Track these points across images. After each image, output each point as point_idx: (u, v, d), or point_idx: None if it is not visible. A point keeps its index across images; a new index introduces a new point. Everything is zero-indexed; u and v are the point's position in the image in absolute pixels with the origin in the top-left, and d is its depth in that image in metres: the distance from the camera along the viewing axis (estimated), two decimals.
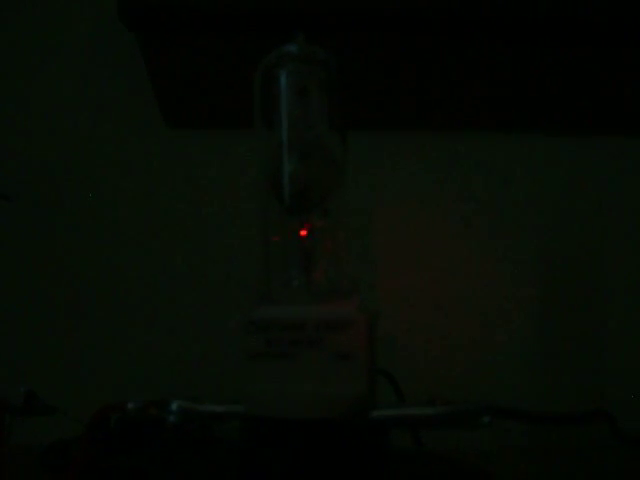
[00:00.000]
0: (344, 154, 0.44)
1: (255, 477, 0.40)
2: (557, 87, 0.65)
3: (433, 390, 0.61)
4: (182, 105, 0.68)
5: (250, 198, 0.64)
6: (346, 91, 0.45)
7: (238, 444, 0.41)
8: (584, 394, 0.66)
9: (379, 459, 0.40)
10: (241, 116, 0.47)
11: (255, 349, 0.40)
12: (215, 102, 0.67)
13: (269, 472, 0.39)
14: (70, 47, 0.69)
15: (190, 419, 0.42)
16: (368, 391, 0.40)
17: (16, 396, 0.47)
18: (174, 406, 0.42)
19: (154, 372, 0.68)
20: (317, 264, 0.43)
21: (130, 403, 0.43)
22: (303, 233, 0.43)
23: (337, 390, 0.39)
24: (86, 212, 0.69)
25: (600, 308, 0.67)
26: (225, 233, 0.69)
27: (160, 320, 0.69)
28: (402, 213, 0.67)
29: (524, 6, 0.61)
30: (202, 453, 0.49)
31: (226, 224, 0.69)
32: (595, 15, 0.61)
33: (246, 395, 0.40)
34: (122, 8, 0.62)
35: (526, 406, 0.42)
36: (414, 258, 0.67)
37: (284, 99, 0.43)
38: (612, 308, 0.67)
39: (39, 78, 0.70)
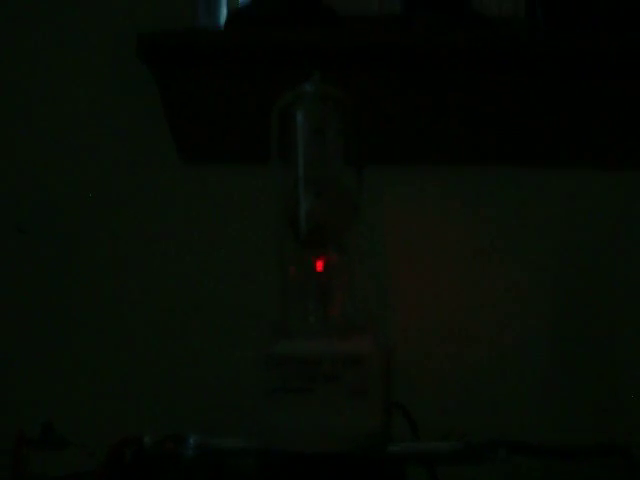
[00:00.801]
0: (360, 190, 0.45)
1: None
2: (572, 121, 0.66)
3: (448, 422, 0.62)
4: (197, 140, 0.68)
5: (266, 232, 0.64)
6: (362, 128, 0.45)
7: (255, 478, 0.42)
8: (600, 424, 0.65)
9: None
10: (257, 151, 0.48)
11: (272, 384, 0.41)
12: (230, 137, 0.67)
13: None
14: (88, 83, 0.70)
15: (207, 453, 0.43)
16: (383, 426, 0.40)
17: (34, 428, 0.48)
18: (191, 440, 0.43)
19: (171, 406, 0.68)
20: (333, 299, 0.43)
21: (146, 437, 0.44)
22: (319, 268, 0.44)
23: (353, 424, 0.40)
24: (101, 245, 0.69)
25: (615, 338, 0.67)
26: (242, 266, 0.69)
27: (177, 353, 0.69)
28: (417, 246, 0.67)
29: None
30: None
31: (242, 258, 0.69)
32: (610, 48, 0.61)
33: (263, 429, 0.41)
34: (141, 45, 0.64)
35: (542, 437, 0.42)
36: (429, 290, 0.67)
37: (301, 137, 0.44)
38: (627, 337, 0.66)
39: (57, 113, 0.70)
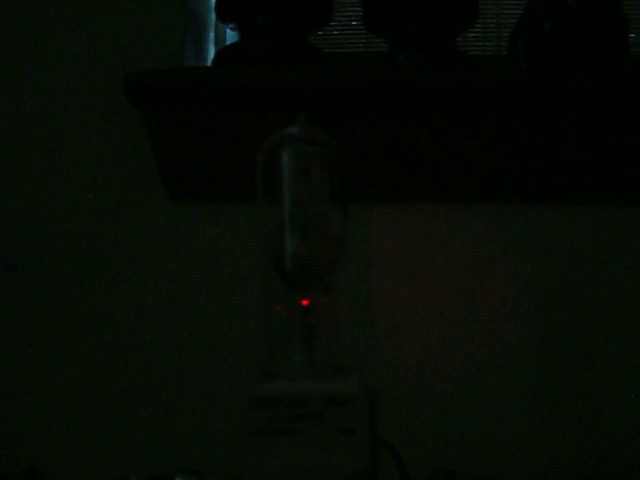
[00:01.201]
0: (345, 229, 0.45)
1: None
2: (559, 158, 0.66)
3: (436, 462, 0.62)
4: (185, 179, 0.69)
5: (252, 271, 0.64)
6: (346, 167, 0.46)
7: None
8: (587, 460, 0.66)
9: None
10: (244, 191, 0.48)
11: (258, 425, 0.40)
12: (218, 176, 0.68)
13: None
14: (76, 123, 0.70)
15: None
16: (370, 466, 0.40)
17: (16, 471, 0.47)
18: None
19: (156, 447, 0.67)
20: (319, 339, 0.43)
21: (133, 478, 0.45)
22: (305, 307, 0.43)
23: (340, 465, 0.40)
24: (89, 283, 0.69)
25: (600, 377, 0.67)
26: (227, 305, 0.69)
27: (162, 393, 0.68)
28: (403, 285, 0.68)
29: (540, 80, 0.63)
30: None
31: (228, 296, 0.69)
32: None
33: (249, 470, 0.40)
34: (129, 84, 0.64)
35: (532, 478, 0.41)
36: (417, 328, 0.67)
37: (286, 178, 0.44)
38: (612, 376, 0.67)
39: (45, 151, 0.71)
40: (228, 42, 0.78)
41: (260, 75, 0.64)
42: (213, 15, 0.74)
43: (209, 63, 0.73)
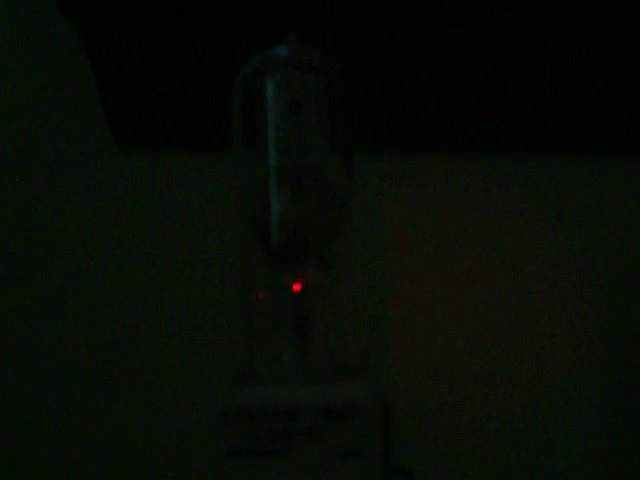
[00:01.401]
0: (350, 185, 0.44)
1: None
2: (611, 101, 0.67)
3: None
4: (137, 120, 0.68)
5: (227, 243, 0.64)
6: (352, 104, 0.45)
7: None
8: None
9: None
10: (215, 133, 0.47)
11: (234, 444, 0.40)
12: (180, 116, 0.67)
13: None
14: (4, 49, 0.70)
15: None
16: None
17: None
18: None
19: (116, 469, 0.68)
20: (315, 331, 0.43)
21: None
22: (297, 290, 0.43)
23: None
24: (28, 247, 0.69)
25: None
26: (193, 288, 0.69)
27: (105, 401, 0.69)
28: (425, 259, 0.67)
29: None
30: None
31: (195, 277, 0.69)
32: None
33: None
34: None
35: None
36: (440, 319, 0.67)
37: (272, 116, 0.43)
38: None
39: None
40: None
41: None
42: None
43: None
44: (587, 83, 0.67)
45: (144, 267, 0.69)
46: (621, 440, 0.67)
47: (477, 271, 0.67)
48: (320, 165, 0.43)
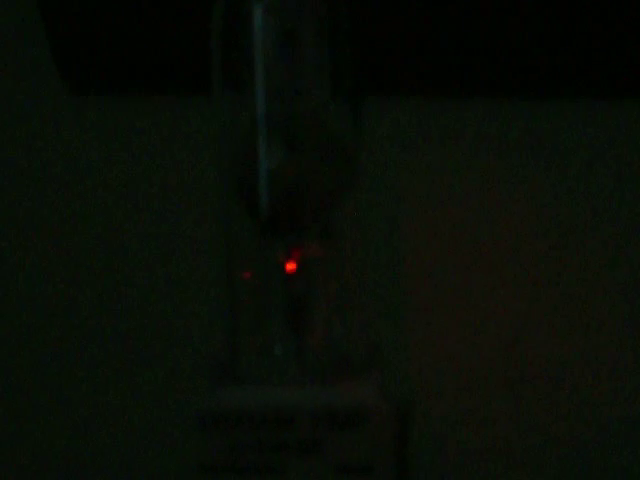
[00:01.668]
0: (357, 137, 0.44)
1: None
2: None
3: None
4: (90, 59, 0.67)
5: (203, 208, 0.64)
6: (360, 37, 0.44)
7: None
8: None
9: None
10: (190, 74, 0.46)
11: (211, 458, 0.40)
12: (147, 50, 0.66)
13: None
14: None
15: None
16: None
17: None
18: None
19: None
20: (313, 318, 0.43)
21: None
22: (291, 268, 0.43)
23: None
24: None
25: None
26: (160, 264, 0.69)
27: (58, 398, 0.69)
28: (450, 229, 0.67)
29: None
30: None
31: (164, 251, 0.69)
32: None
33: None
34: None
35: None
36: (469, 303, 0.67)
37: (260, 50, 0.43)
38: None
39: None
40: None
41: None
42: None
43: None
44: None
45: (96, 233, 0.69)
46: None
47: (510, 243, 0.68)
48: (319, 112, 0.43)
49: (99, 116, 0.69)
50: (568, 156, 0.69)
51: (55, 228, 0.70)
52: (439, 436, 0.66)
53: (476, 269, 0.68)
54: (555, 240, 0.68)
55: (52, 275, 0.70)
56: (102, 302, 0.69)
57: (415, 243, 0.67)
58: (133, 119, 0.69)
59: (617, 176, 0.69)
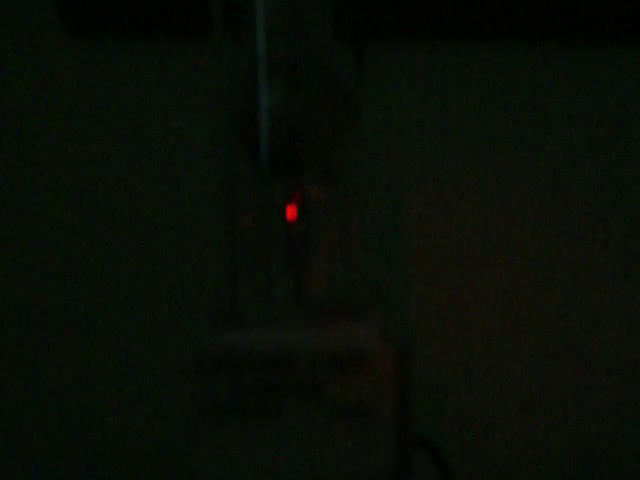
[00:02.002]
0: (359, 77, 0.44)
1: None
2: None
3: (501, 470, 0.63)
4: (89, 1, 0.67)
5: (203, 149, 0.64)
6: None
7: None
8: None
9: None
10: (188, 15, 0.45)
11: (211, 400, 0.40)
12: None
13: None
14: None
15: None
16: (396, 469, 0.39)
17: None
18: None
19: (49, 439, 0.68)
20: (313, 260, 0.43)
21: None
22: (292, 210, 0.43)
23: (345, 468, 0.39)
24: None
25: None
26: (158, 206, 0.69)
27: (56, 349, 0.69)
28: (449, 171, 0.68)
29: None
30: None
31: (159, 193, 0.69)
32: None
33: (198, 476, 0.40)
34: None
35: None
36: (467, 246, 0.67)
37: None
38: None
39: None
40: None
41: None
42: None
43: None
44: None
45: (94, 172, 0.70)
46: None
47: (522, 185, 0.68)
48: (321, 53, 0.43)
49: (99, 59, 0.69)
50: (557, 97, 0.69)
51: (54, 166, 0.71)
52: (438, 379, 0.67)
53: (477, 213, 0.68)
54: (552, 183, 0.67)
55: (52, 210, 0.71)
56: (102, 242, 0.70)
57: (417, 186, 0.67)
58: (133, 62, 0.69)
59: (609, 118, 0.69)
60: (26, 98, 0.71)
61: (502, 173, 0.69)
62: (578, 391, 0.67)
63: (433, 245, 0.68)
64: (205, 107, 0.55)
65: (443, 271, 0.67)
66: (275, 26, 0.42)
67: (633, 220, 0.68)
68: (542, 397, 0.67)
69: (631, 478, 0.64)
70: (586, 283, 0.66)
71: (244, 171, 0.43)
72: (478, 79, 0.69)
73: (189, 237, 0.68)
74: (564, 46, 0.68)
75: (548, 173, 0.68)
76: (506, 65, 0.69)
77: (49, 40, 0.70)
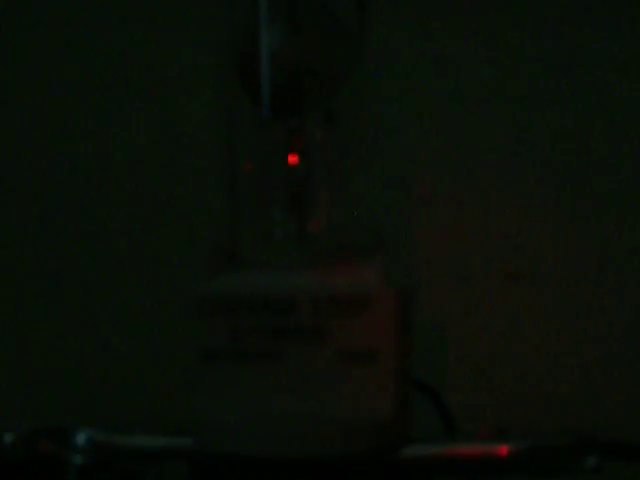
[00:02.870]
0: (361, 15, 0.44)
1: None
2: None
3: (501, 414, 0.63)
4: None
5: (203, 89, 0.64)
6: None
7: None
8: None
9: None
10: None
11: (212, 344, 0.40)
12: None
13: None
14: None
15: (107, 460, 0.43)
16: (397, 414, 0.39)
17: None
18: (81, 439, 0.43)
19: (50, 384, 0.69)
20: (315, 203, 0.43)
21: (7, 434, 0.44)
22: (293, 150, 0.43)
23: (346, 412, 0.39)
24: None
25: None
26: (155, 145, 0.69)
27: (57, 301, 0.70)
28: (451, 114, 0.68)
29: None
30: None
31: (165, 133, 0.69)
32: None
33: (198, 419, 0.40)
34: None
35: None
36: (475, 191, 0.67)
37: None
38: None
39: None
40: None
41: None
42: None
43: None
44: None
45: (92, 120, 0.70)
46: None
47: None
48: None
49: None
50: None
51: (53, 101, 0.71)
52: (439, 324, 0.67)
53: (480, 156, 0.68)
54: (555, 119, 0.67)
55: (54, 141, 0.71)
56: (103, 185, 0.71)
57: (419, 129, 0.67)
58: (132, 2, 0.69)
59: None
60: (25, 24, 0.72)
61: (505, 117, 0.69)
62: (580, 333, 0.67)
63: (435, 189, 0.68)
64: (206, 50, 0.55)
65: (445, 215, 0.68)
66: None
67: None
68: (544, 339, 0.67)
69: (631, 423, 0.64)
70: (591, 225, 0.66)
71: (246, 113, 0.43)
72: (480, 13, 0.68)
73: (191, 180, 0.69)
74: None
75: (549, 114, 0.69)
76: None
77: None
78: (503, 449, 0.39)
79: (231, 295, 0.39)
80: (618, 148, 0.67)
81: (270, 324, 0.39)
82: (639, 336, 0.66)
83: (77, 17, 0.71)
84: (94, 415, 0.59)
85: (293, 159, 0.43)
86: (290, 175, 0.43)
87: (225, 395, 0.39)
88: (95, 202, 0.71)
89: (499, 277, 0.68)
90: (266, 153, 0.43)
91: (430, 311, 0.62)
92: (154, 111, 0.70)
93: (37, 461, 0.43)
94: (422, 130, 0.67)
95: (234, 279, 0.40)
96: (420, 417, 0.44)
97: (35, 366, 0.70)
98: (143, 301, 0.69)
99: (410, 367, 0.41)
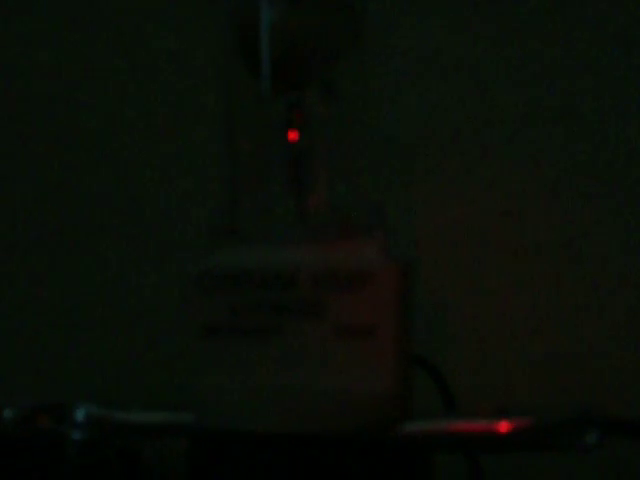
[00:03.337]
0: None
1: None
2: None
3: (501, 392, 0.63)
4: None
5: (201, 63, 0.64)
6: None
7: (183, 476, 0.41)
8: None
9: None
10: None
11: (212, 320, 0.40)
12: None
13: None
14: None
15: (106, 435, 0.42)
16: (397, 389, 0.39)
17: None
18: (80, 414, 0.42)
19: (53, 358, 0.69)
20: (315, 178, 0.42)
21: (7, 410, 0.44)
22: (293, 125, 0.42)
23: (346, 387, 0.39)
24: None
25: None
26: (164, 122, 0.69)
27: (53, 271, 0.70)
28: (452, 89, 0.67)
29: None
30: None
31: (165, 106, 0.69)
32: None
33: (197, 395, 0.40)
34: None
35: None
36: (477, 166, 0.67)
37: None
38: None
39: None
40: None
41: None
42: None
43: None
44: None
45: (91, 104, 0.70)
46: None
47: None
48: None
49: None
50: None
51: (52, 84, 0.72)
52: (440, 300, 0.67)
53: (480, 134, 0.68)
54: (556, 103, 0.67)
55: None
56: (103, 161, 0.70)
57: (419, 104, 0.67)
58: None
59: None
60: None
61: (508, 92, 0.68)
62: (584, 310, 0.67)
63: (437, 164, 0.67)
64: (207, 25, 0.55)
65: (446, 190, 0.67)
66: None
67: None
68: (544, 317, 0.67)
69: (632, 399, 0.64)
70: (597, 203, 0.66)
71: (245, 88, 0.43)
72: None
73: (190, 154, 0.68)
74: None
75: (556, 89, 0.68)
76: None
77: None
78: (503, 425, 0.39)
79: (231, 270, 0.39)
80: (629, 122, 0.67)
81: (270, 299, 0.39)
82: None
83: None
84: (93, 391, 0.59)
85: (293, 134, 0.43)
86: (290, 150, 0.42)
87: (225, 370, 0.39)
88: (93, 178, 0.71)
89: (501, 254, 0.68)
90: (266, 128, 0.43)
91: (430, 287, 0.62)
92: (151, 86, 0.70)
93: (37, 436, 0.44)
94: (422, 101, 0.67)
95: (234, 255, 0.40)
96: (420, 395, 0.44)
97: (34, 342, 0.71)
98: (142, 277, 0.69)
99: (411, 343, 0.40)
